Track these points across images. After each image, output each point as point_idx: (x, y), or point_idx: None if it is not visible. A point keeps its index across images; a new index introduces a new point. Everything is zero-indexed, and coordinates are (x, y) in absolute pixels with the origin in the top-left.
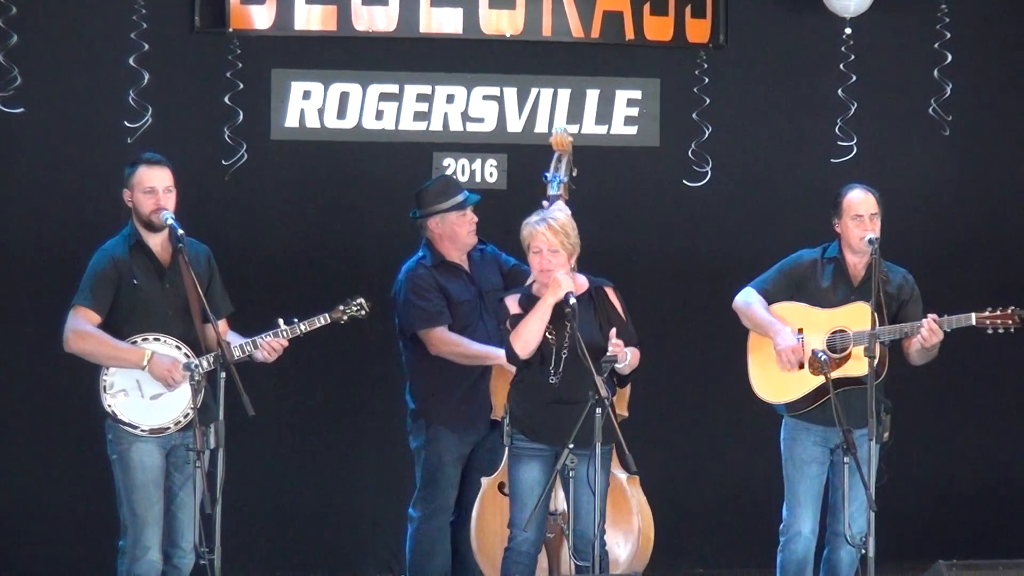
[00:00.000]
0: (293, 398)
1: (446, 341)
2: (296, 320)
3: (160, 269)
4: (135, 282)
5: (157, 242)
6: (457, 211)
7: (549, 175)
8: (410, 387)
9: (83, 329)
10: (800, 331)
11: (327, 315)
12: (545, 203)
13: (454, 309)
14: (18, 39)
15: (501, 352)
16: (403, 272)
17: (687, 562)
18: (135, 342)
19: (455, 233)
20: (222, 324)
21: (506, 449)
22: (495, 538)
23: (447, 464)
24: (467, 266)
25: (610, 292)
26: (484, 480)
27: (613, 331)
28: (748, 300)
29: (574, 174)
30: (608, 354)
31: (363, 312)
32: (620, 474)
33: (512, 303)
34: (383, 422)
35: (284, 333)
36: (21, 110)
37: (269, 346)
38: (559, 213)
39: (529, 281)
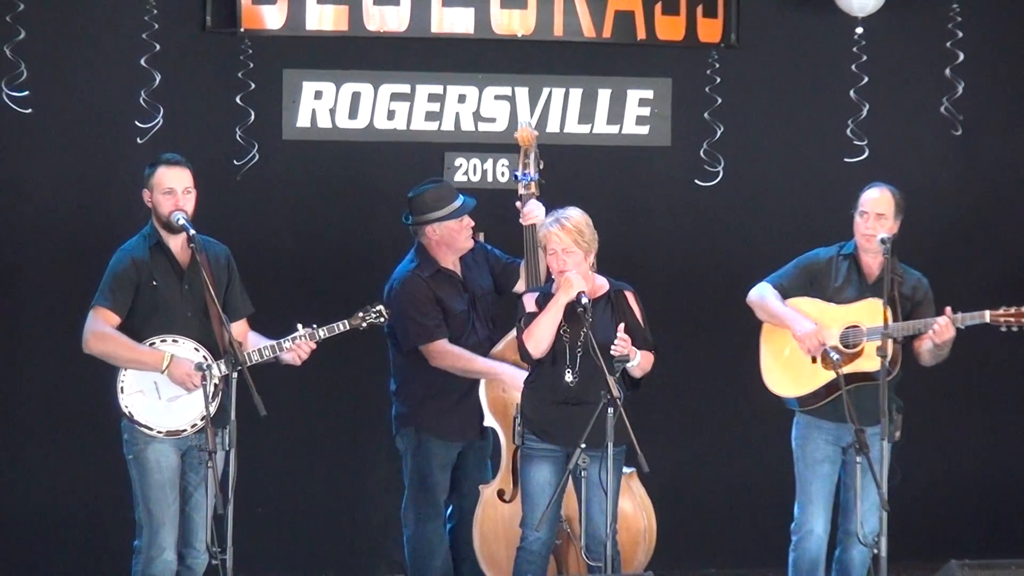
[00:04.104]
0: (305, 399)
1: (450, 354)
2: (315, 326)
3: (179, 271)
4: (154, 283)
5: (177, 243)
6: (455, 218)
7: (519, 173)
8: (398, 391)
9: (102, 331)
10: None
11: (346, 322)
12: (518, 204)
13: (448, 320)
14: (26, 36)
15: (505, 368)
16: (396, 280)
17: (698, 561)
18: (153, 343)
19: (453, 239)
20: (242, 324)
21: (507, 453)
22: (499, 544)
23: (436, 471)
24: (460, 271)
25: (630, 296)
26: (483, 488)
27: (621, 326)
28: (763, 294)
29: (541, 167)
30: (612, 349)
31: (382, 319)
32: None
33: (529, 301)
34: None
35: (304, 338)
36: (29, 111)
37: (300, 348)
38: (573, 212)
39: (548, 280)
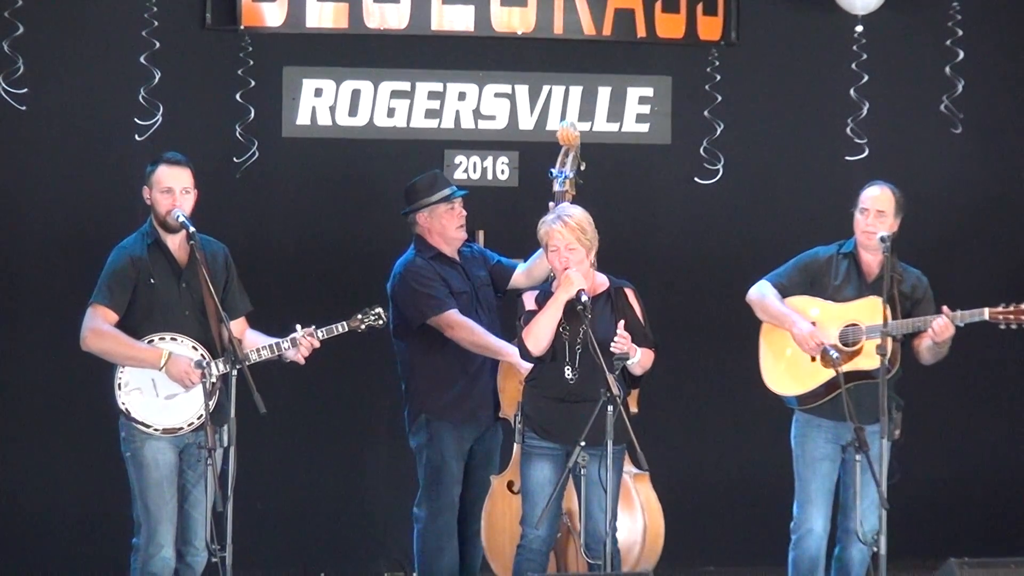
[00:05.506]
0: (305, 396)
1: (462, 325)
2: (314, 326)
3: (177, 269)
4: (152, 281)
5: (175, 242)
6: (445, 204)
7: (555, 171)
8: (407, 386)
9: (100, 328)
10: (813, 324)
11: (345, 323)
12: (552, 204)
13: (454, 299)
14: (24, 31)
15: (514, 350)
16: (400, 266)
17: (698, 560)
18: (151, 341)
19: (444, 227)
20: (241, 322)
21: (516, 446)
22: (505, 536)
23: (450, 461)
24: (459, 260)
25: (630, 293)
26: (493, 478)
27: (622, 323)
28: (763, 292)
29: (582, 168)
30: (612, 346)
31: (381, 322)
32: (626, 473)
33: (529, 299)
34: (394, 420)
35: (304, 337)
36: (27, 108)
37: (303, 346)
38: (575, 210)
39: (548, 277)
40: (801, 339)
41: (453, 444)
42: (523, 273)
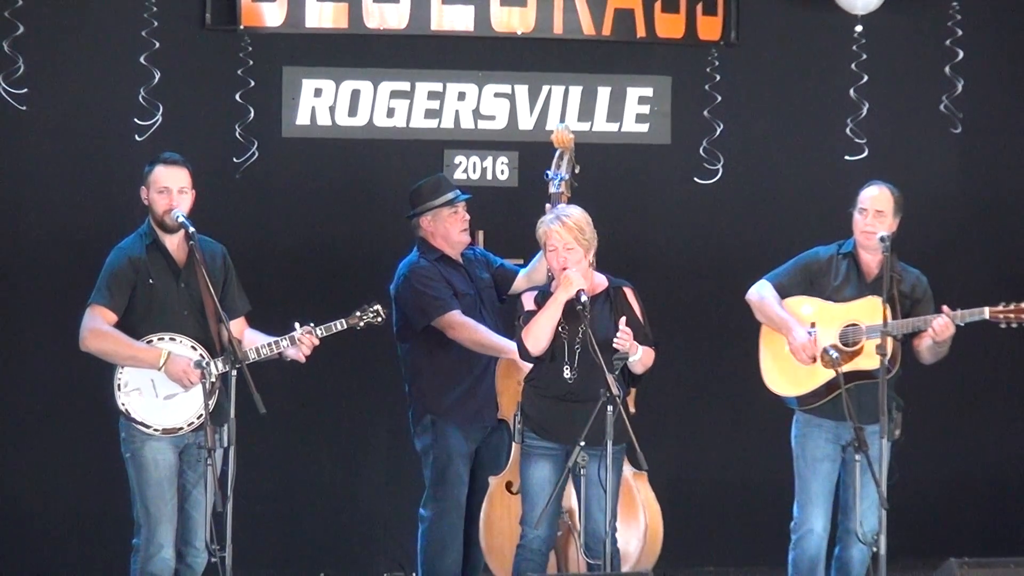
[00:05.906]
0: (304, 397)
1: (464, 325)
2: (312, 324)
3: (176, 269)
4: (151, 281)
5: (173, 242)
6: (448, 207)
7: (550, 173)
8: (411, 387)
9: (100, 328)
10: (813, 325)
11: (344, 321)
12: (548, 206)
13: (458, 300)
14: (24, 31)
15: (515, 347)
16: (404, 267)
17: (698, 560)
18: (151, 341)
19: (447, 231)
20: (240, 322)
21: (515, 447)
22: (503, 537)
23: (456, 461)
24: (463, 263)
25: (629, 293)
26: (492, 479)
27: (623, 319)
28: (762, 294)
29: (576, 171)
30: (615, 343)
31: (379, 319)
32: (626, 471)
33: (528, 300)
34: (394, 421)
35: (303, 335)
36: (27, 108)
37: (303, 344)
38: (573, 210)
39: (547, 278)
40: (794, 349)
41: (459, 445)
42: (524, 278)
